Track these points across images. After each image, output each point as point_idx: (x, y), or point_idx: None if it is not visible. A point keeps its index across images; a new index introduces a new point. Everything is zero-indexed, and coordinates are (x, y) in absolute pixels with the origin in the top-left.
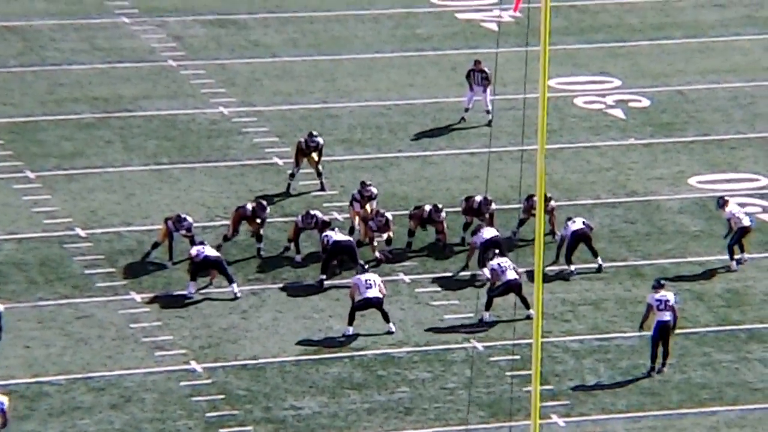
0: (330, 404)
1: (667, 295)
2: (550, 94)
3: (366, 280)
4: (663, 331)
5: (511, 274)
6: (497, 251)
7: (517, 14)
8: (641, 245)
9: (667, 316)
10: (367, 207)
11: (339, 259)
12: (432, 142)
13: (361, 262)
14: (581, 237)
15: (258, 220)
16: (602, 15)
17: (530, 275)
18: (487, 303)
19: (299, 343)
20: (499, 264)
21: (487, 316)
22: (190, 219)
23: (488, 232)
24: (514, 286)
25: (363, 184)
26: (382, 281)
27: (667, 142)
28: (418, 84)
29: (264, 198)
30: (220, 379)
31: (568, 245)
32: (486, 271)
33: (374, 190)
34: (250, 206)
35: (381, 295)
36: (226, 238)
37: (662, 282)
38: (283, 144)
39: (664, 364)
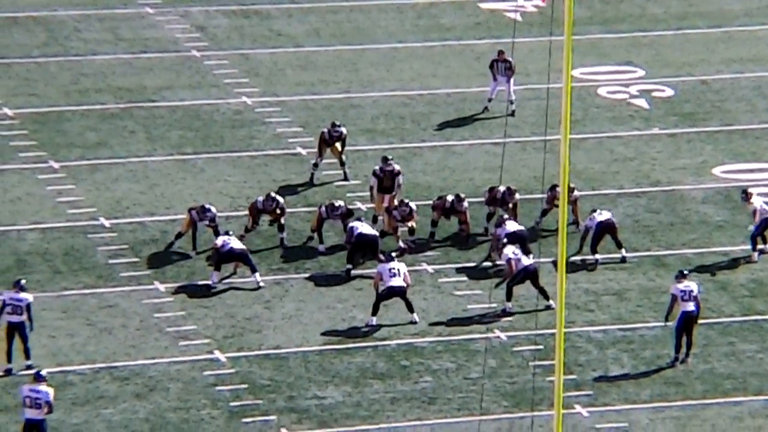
0: (353, 394)
1: (691, 285)
2: (574, 84)
3: (391, 269)
4: (687, 322)
5: (526, 261)
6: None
7: (543, 4)
8: (665, 235)
9: (691, 306)
10: (395, 201)
11: (362, 251)
12: (455, 132)
13: (385, 251)
14: (607, 228)
15: (278, 211)
16: (626, 5)
17: (554, 265)
18: (507, 293)
19: (323, 333)
20: (514, 252)
21: (509, 306)
22: (213, 209)
23: (512, 225)
24: (531, 273)
25: (384, 159)
26: (407, 270)
27: (690, 131)
28: (441, 74)
29: (287, 188)
30: (243, 369)
31: (593, 236)
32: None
33: (396, 166)
34: (261, 199)
35: (405, 285)
36: (247, 230)
37: (685, 272)
38: (306, 134)
39: (687, 354)
